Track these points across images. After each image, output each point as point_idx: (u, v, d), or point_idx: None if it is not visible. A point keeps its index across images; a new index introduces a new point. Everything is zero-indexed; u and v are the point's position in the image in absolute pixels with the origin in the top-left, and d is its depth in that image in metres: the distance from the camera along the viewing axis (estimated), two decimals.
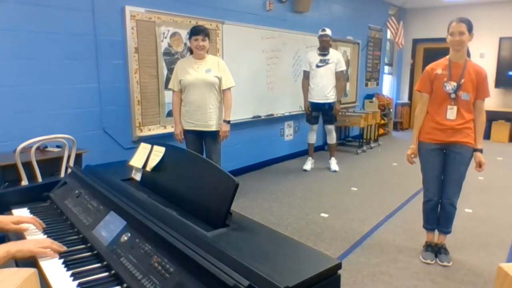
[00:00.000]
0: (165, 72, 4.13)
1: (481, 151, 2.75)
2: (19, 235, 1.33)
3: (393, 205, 4.13)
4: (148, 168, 1.60)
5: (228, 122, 3.56)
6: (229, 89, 3.53)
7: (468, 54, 2.76)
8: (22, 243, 1.18)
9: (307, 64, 5.27)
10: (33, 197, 1.67)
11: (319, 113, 5.37)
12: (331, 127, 5.45)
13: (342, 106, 5.90)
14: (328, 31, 5.14)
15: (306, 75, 5.30)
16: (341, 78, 5.34)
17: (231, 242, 1.09)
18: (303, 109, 5.46)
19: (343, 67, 5.31)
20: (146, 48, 3.94)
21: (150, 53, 3.99)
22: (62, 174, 2.97)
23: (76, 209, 1.46)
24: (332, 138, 5.54)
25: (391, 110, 8.76)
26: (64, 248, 1.20)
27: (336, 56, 5.27)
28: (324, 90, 5.20)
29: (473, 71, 2.68)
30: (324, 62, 5.18)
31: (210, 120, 3.49)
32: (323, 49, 5.19)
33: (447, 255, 2.90)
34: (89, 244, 1.24)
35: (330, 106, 5.27)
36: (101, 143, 3.70)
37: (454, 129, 2.71)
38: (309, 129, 5.56)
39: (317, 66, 5.19)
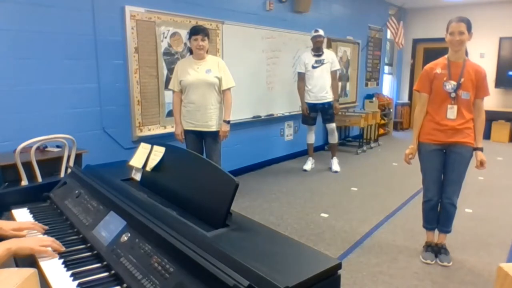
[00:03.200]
0: (165, 72, 4.13)
1: (481, 149, 2.75)
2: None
3: (393, 205, 4.13)
4: (148, 168, 1.60)
5: (228, 122, 3.56)
6: (229, 89, 3.53)
7: (466, 54, 2.76)
8: (23, 240, 1.17)
9: (302, 65, 5.29)
10: (33, 197, 1.67)
11: (317, 113, 5.38)
12: (333, 126, 5.44)
13: (342, 106, 5.91)
14: (321, 32, 5.18)
15: (302, 77, 5.32)
16: (336, 77, 5.39)
17: (231, 242, 1.09)
18: (301, 110, 5.47)
19: (337, 66, 5.36)
20: (146, 48, 3.94)
21: (150, 53, 3.99)
22: (62, 174, 2.97)
23: (76, 209, 1.46)
24: (334, 138, 5.54)
25: (391, 110, 8.76)
26: (64, 248, 1.20)
27: (330, 55, 5.31)
28: (322, 90, 5.22)
29: (472, 70, 2.68)
30: (320, 62, 5.21)
31: (210, 120, 3.49)
32: (317, 50, 5.22)
33: (447, 255, 2.90)
34: (89, 244, 1.24)
35: (329, 104, 5.29)
36: (101, 143, 3.70)
37: (455, 130, 2.70)
38: (307, 130, 5.57)
39: (313, 67, 5.22)
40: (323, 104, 5.26)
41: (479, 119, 2.75)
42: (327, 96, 5.25)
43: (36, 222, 1.40)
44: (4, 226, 1.30)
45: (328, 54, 5.28)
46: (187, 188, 1.37)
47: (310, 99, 5.28)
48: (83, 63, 3.51)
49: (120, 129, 3.84)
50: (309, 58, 5.25)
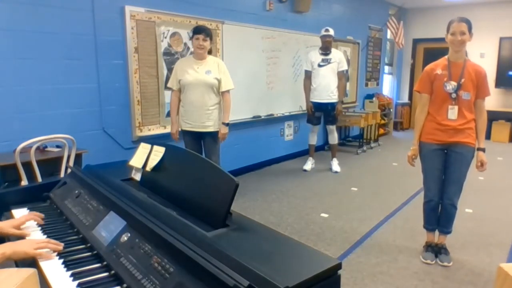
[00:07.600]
0: (165, 72, 4.13)
1: (483, 150, 2.75)
2: (21, 238, 1.33)
3: (393, 205, 4.13)
4: (148, 168, 1.60)
5: (227, 124, 3.55)
6: (228, 91, 3.52)
7: (466, 54, 2.76)
8: (18, 244, 1.17)
9: (309, 63, 5.25)
10: (33, 197, 1.67)
11: (322, 113, 5.35)
12: (332, 127, 5.44)
13: (342, 106, 5.89)
14: (331, 31, 5.13)
15: (308, 75, 5.28)
16: (343, 78, 5.32)
17: (231, 242, 1.09)
18: (305, 109, 5.44)
19: (345, 66, 5.30)
20: (146, 48, 3.94)
21: (150, 53, 3.99)
22: (62, 174, 2.97)
23: (76, 209, 1.46)
24: (334, 138, 5.53)
25: (391, 110, 8.76)
26: (62, 245, 1.20)
27: (338, 55, 5.25)
28: (326, 90, 5.18)
29: (472, 71, 2.68)
30: (326, 61, 5.17)
31: (207, 121, 3.48)
32: (325, 49, 5.18)
33: (447, 255, 2.90)
34: (89, 244, 1.24)
35: (332, 106, 5.25)
36: (101, 143, 3.70)
37: (456, 130, 2.70)
38: (309, 130, 5.55)
39: (319, 66, 5.18)
40: (326, 104, 5.23)
41: (481, 119, 2.75)
42: (332, 97, 5.21)
43: (32, 211, 1.43)
44: (4, 226, 1.30)
45: (336, 54, 5.24)
46: (187, 188, 1.37)
47: (315, 98, 5.25)
48: (83, 63, 3.51)
49: (120, 129, 3.84)
50: (316, 56, 5.22)
